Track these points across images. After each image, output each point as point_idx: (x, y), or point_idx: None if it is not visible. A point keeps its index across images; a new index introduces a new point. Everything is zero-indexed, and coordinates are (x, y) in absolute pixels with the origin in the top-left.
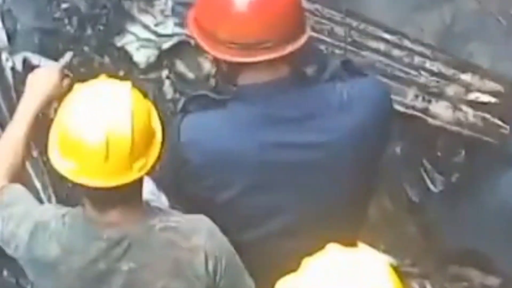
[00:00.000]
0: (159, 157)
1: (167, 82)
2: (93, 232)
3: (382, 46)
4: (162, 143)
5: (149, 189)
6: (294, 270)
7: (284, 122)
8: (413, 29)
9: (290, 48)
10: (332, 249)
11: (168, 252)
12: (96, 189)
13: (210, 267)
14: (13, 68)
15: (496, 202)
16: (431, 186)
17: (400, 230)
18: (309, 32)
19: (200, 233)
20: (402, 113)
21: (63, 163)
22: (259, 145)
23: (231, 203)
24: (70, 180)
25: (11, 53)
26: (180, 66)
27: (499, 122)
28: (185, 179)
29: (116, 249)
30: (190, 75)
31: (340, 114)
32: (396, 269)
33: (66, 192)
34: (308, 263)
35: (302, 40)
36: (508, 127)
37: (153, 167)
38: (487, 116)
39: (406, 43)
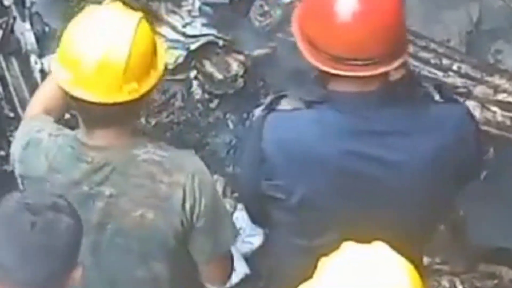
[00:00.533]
0: (153, 88)
1: (195, 83)
2: (79, 154)
3: (410, 49)
4: (161, 77)
5: None
6: None
7: (369, 135)
8: (439, 28)
9: (390, 67)
10: (348, 247)
11: (147, 182)
12: (88, 104)
13: (187, 206)
14: (42, 70)
15: None
16: None
17: None
18: (407, 52)
19: (183, 171)
20: None
21: (61, 73)
22: (341, 152)
23: (301, 206)
24: (67, 91)
25: (40, 55)
26: (208, 67)
27: None
28: (262, 176)
29: (99, 173)
30: (218, 76)
31: (427, 136)
32: (415, 266)
33: None
34: (324, 263)
35: (401, 59)
36: None
37: (145, 94)
38: None
39: (433, 46)
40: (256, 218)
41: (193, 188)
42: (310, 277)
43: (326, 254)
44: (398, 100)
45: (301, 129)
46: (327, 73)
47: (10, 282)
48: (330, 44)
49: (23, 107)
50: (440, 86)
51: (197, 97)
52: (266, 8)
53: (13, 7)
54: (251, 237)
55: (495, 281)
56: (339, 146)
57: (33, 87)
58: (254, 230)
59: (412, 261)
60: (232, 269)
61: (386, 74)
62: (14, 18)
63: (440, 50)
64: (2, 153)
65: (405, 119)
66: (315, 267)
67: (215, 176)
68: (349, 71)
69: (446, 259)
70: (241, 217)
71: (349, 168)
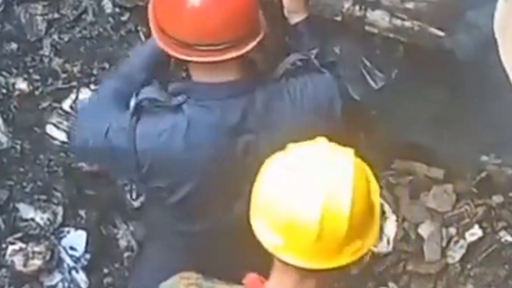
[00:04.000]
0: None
1: None
2: None
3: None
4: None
5: None
6: None
7: (233, 128)
8: None
9: (245, 49)
10: (291, 147)
11: None
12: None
13: None
14: None
15: (436, 96)
16: (372, 83)
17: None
18: (263, 32)
19: None
20: (339, 22)
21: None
22: (208, 150)
23: (182, 203)
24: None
25: None
26: None
27: (435, 30)
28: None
29: None
30: None
31: (288, 116)
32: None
33: None
34: (268, 163)
35: (257, 40)
36: (443, 33)
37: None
38: (423, 24)
39: None
40: None
41: None
42: None
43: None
44: (260, 83)
45: (169, 136)
46: (180, 60)
47: None
48: (178, 29)
49: None
50: (306, 60)
51: (108, 11)
52: None
53: None
54: None
55: (410, 177)
56: (206, 144)
57: None
58: None
59: None
60: None
61: (247, 58)
62: None
63: None
64: None
65: (267, 102)
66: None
67: None
68: (195, 57)
69: (360, 158)
70: None
71: (222, 159)
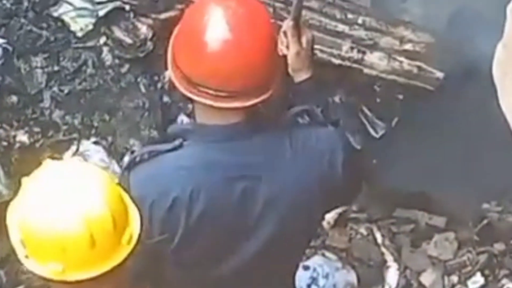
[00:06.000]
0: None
1: (105, 49)
2: None
3: (315, 5)
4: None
5: (99, 157)
6: None
7: (236, 166)
8: None
9: (254, 101)
10: (48, 164)
11: None
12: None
13: None
14: None
15: (437, 143)
16: (372, 132)
17: None
18: (274, 89)
19: None
20: (338, 65)
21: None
22: (208, 189)
23: (179, 248)
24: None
25: None
26: (118, 32)
27: (434, 70)
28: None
29: None
30: (128, 40)
31: (292, 163)
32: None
33: None
34: (27, 181)
35: (266, 95)
36: (442, 74)
37: (139, 235)
38: (422, 64)
39: (338, 1)
40: None
41: None
42: None
43: None
44: (263, 129)
45: (163, 180)
46: (186, 97)
47: None
48: (191, 67)
49: None
50: (309, 110)
51: (108, 63)
52: None
53: None
54: None
55: (412, 226)
56: (205, 184)
57: None
58: None
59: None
60: None
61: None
62: None
63: (345, 5)
64: None
65: (268, 149)
66: None
67: (131, 140)
68: (201, 98)
69: (362, 207)
70: None
71: (220, 200)
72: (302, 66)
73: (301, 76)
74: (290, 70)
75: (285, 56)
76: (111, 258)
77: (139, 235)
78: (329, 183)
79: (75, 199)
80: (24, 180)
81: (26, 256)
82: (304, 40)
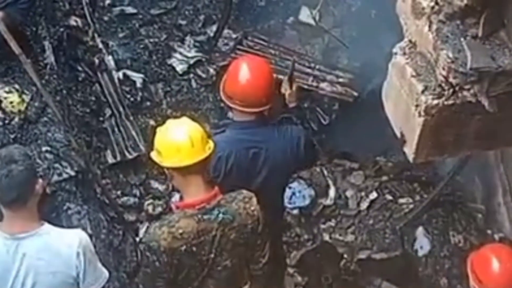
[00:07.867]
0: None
1: (193, 81)
2: None
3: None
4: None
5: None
6: None
7: (253, 142)
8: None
9: (261, 109)
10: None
11: None
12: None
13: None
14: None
15: (355, 127)
16: (322, 120)
17: None
18: (273, 102)
19: None
20: (307, 89)
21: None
22: (240, 151)
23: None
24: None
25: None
26: (199, 72)
27: (352, 91)
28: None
29: None
30: (203, 75)
31: (278, 142)
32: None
33: None
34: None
35: (269, 106)
36: (356, 93)
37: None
38: (347, 89)
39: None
40: None
41: None
42: None
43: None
44: (265, 124)
45: (223, 143)
46: (228, 105)
47: None
48: (233, 91)
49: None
50: (287, 118)
51: (194, 86)
52: None
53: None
54: None
55: (342, 168)
56: (234, 150)
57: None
58: None
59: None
60: None
61: (263, 111)
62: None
63: (311, 60)
64: None
65: (269, 134)
66: None
67: (213, 121)
68: (235, 106)
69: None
70: None
71: (241, 158)
72: (292, 99)
73: (291, 104)
74: (286, 101)
75: (283, 94)
76: (201, 154)
77: (213, 149)
78: (297, 155)
79: (183, 128)
80: (158, 128)
81: (160, 160)
82: (293, 87)
